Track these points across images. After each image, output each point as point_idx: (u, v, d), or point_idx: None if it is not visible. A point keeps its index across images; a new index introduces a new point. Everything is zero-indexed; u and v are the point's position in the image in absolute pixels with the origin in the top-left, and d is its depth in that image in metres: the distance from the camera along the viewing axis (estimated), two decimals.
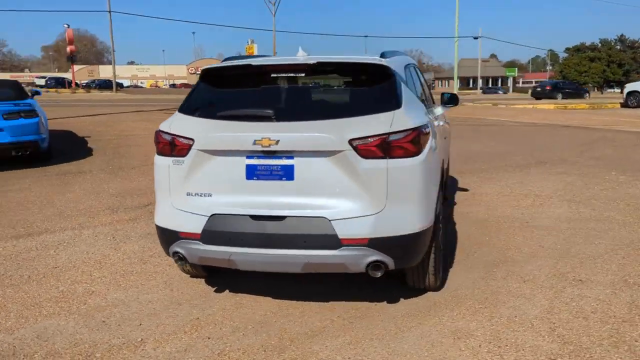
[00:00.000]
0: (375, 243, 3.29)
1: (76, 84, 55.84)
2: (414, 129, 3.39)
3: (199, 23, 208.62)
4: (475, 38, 63.33)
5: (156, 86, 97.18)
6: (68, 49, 51.04)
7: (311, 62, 3.62)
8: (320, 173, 3.31)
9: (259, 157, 3.36)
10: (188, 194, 3.52)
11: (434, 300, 3.86)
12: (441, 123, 5.17)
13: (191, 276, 4.37)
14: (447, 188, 6.58)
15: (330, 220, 3.27)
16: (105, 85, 61.51)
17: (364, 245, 3.28)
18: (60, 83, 57.23)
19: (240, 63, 3.81)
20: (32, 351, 3.25)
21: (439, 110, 5.57)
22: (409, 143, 3.36)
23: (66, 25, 54.21)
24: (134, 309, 3.81)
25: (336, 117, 3.38)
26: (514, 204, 6.53)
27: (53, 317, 3.72)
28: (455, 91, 60.49)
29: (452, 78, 54.59)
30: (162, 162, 3.63)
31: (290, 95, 3.73)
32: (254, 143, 3.31)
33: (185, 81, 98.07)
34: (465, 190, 7.38)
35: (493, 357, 3.07)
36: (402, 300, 3.87)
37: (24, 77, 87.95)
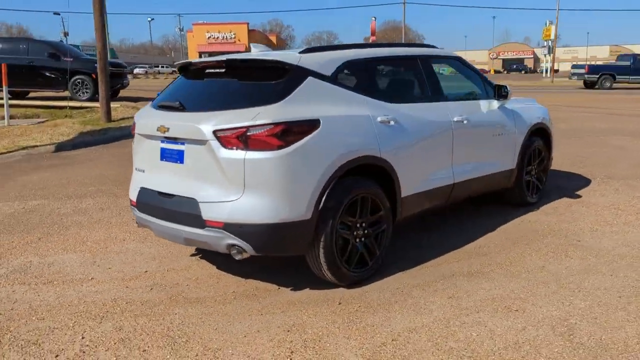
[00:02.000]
0: (230, 227, 3.51)
1: None
2: (278, 124, 3.45)
3: (499, 8, 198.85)
4: None
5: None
6: (371, 39, 55.60)
7: (223, 59, 3.93)
8: (198, 159, 3.66)
9: (167, 142, 3.88)
10: (136, 169, 4.25)
11: (331, 295, 3.80)
12: (460, 118, 4.71)
13: None
14: (523, 192, 5.76)
15: (198, 202, 3.61)
16: None
17: (221, 228, 3.53)
18: None
19: (185, 61, 4.32)
20: (32, 270, 4.44)
21: (473, 104, 5.08)
22: (271, 137, 3.43)
23: (373, 18, 59.04)
24: (124, 258, 4.73)
25: (217, 109, 3.66)
26: (604, 220, 5.36)
27: (76, 252, 4.88)
28: None
29: None
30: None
31: (203, 89, 4.08)
32: (157, 129, 3.84)
33: (484, 67, 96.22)
34: (577, 197, 6.25)
35: (284, 351, 3.04)
36: (306, 289, 3.92)
37: None
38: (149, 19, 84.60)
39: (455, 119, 4.70)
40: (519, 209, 5.77)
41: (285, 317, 3.48)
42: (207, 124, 3.54)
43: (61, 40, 36.07)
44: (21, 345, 3.20)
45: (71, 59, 17.26)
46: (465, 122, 4.79)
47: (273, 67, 3.79)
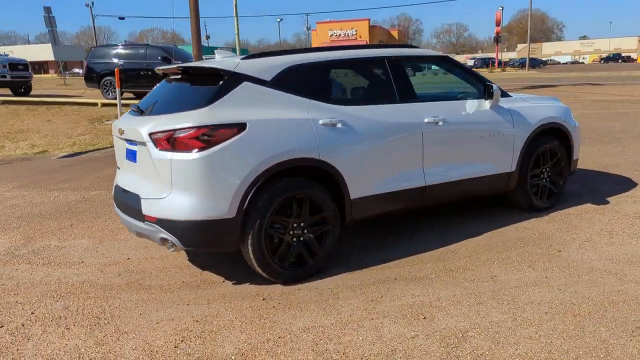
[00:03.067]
0: (161, 223, 3.79)
1: (499, 63, 57.65)
2: (200, 127, 3.66)
3: None
4: None
5: (600, 61, 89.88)
6: (495, 30, 53.04)
7: (176, 66, 4.20)
8: (143, 159, 3.98)
9: (128, 143, 4.25)
10: (117, 167, 4.69)
11: (263, 291, 3.93)
12: (433, 119, 4.57)
13: None
14: (528, 196, 5.38)
15: (140, 199, 3.94)
16: (534, 63, 61.08)
17: (155, 223, 3.83)
18: (485, 63, 59.97)
19: (162, 68, 4.62)
20: (45, 252, 5.07)
21: (455, 105, 4.88)
22: (193, 139, 3.65)
23: (500, 8, 56.17)
24: (122, 245, 5.20)
25: (160, 114, 3.95)
26: (610, 230, 4.85)
27: (89, 239, 5.46)
28: None
29: None
30: None
31: (163, 94, 4.35)
32: (118, 131, 4.22)
33: (629, 54, 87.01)
34: (603, 203, 5.67)
35: (176, 339, 3.26)
36: (246, 284, 4.07)
37: (467, 58, 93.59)
38: (278, 19, 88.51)
39: (426, 120, 4.55)
40: (524, 213, 5.41)
41: (205, 308, 3.69)
42: (145, 127, 3.85)
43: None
44: None
45: (178, 62, 18.71)
46: (440, 123, 4.62)
47: (212, 74, 4.00)
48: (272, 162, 3.82)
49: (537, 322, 3.24)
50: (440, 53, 5.33)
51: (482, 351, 2.95)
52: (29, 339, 3.39)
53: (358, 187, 4.23)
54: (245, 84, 3.92)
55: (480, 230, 5.00)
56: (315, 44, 71.27)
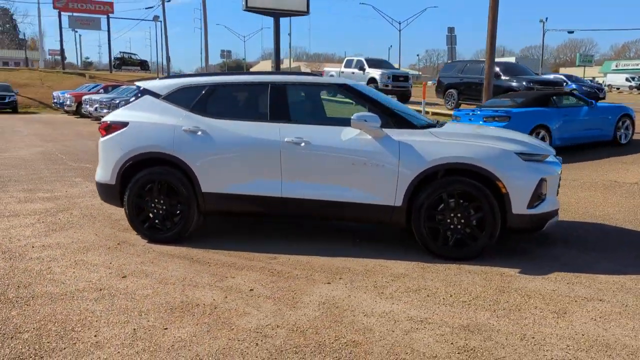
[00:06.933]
0: (96, 181, 5.88)
1: None
2: (105, 122, 5.57)
3: None
4: None
5: None
6: None
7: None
8: None
9: None
10: None
11: (136, 241, 5.53)
12: (293, 139, 5.07)
13: None
14: (422, 237, 4.86)
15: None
16: None
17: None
18: None
19: None
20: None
21: (326, 130, 5.17)
22: (102, 129, 5.62)
23: None
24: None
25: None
26: (452, 293, 4.18)
27: None
28: None
29: None
30: None
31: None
32: None
33: None
34: (530, 274, 4.50)
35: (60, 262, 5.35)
36: (142, 239, 5.72)
37: None
38: None
39: (286, 139, 5.05)
40: (424, 256, 4.94)
41: (99, 255, 5.60)
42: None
43: None
44: None
45: (507, 78, 19.03)
46: (303, 144, 5.00)
47: (138, 88, 5.76)
48: (138, 151, 5.37)
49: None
50: (338, 80, 5.26)
51: (82, 310, 4.00)
52: (10, 226, 6.08)
53: (209, 183, 5.24)
54: (145, 96, 5.56)
55: (341, 254, 5.05)
56: None
